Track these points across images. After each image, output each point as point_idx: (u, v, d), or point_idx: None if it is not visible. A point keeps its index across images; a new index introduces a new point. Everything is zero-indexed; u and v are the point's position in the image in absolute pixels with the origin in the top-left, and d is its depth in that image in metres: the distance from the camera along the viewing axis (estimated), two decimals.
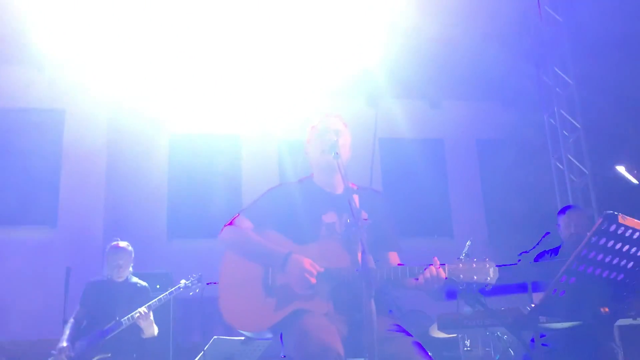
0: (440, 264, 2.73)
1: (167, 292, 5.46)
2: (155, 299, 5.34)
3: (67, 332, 5.33)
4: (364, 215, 2.94)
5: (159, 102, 9.12)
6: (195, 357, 5.68)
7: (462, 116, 10.15)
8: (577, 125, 7.88)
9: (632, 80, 6.86)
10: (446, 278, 2.73)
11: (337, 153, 2.90)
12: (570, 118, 7.99)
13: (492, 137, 10.19)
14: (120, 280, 5.50)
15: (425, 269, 2.72)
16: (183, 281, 5.54)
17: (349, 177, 2.90)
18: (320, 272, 2.79)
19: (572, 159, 7.93)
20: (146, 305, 5.27)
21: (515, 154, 9.37)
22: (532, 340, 4.26)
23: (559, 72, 8.13)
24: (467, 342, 6.29)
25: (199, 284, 5.48)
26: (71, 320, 5.44)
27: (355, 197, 3.01)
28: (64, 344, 5.20)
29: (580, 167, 7.79)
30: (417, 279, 2.74)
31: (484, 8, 7.89)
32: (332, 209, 3.03)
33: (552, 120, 8.29)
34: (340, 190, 3.10)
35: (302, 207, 3.05)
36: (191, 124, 9.32)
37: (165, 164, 9.30)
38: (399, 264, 2.99)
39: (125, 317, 5.19)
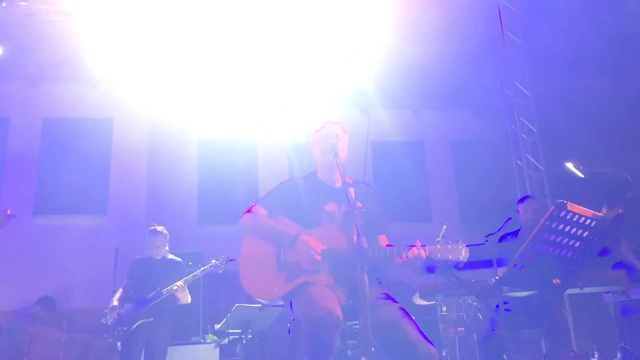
0: (421, 245, 2.73)
1: (200, 270, 5.44)
2: (191, 275, 5.34)
3: (117, 295, 5.36)
4: (359, 204, 2.93)
5: (190, 113, 9.11)
6: (221, 321, 5.70)
7: (439, 122, 10.12)
8: (534, 129, 7.86)
9: (579, 93, 6.85)
10: (426, 257, 2.73)
11: (336, 153, 2.90)
12: (528, 124, 7.96)
13: (464, 140, 10.14)
14: (159, 258, 5.50)
15: (409, 250, 2.73)
16: (213, 261, 5.49)
17: (346, 173, 2.90)
18: (324, 249, 2.79)
19: (529, 157, 7.91)
20: (183, 280, 5.27)
21: (483, 153, 9.34)
22: (497, 306, 4.27)
23: (519, 86, 8.10)
24: (444, 308, 6.25)
25: (226, 264, 5.44)
26: (120, 289, 5.45)
27: (352, 190, 2.99)
28: (115, 303, 5.24)
29: (536, 164, 7.77)
30: (402, 258, 2.74)
31: (456, 33, 7.87)
32: (332, 199, 3.02)
33: (513, 126, 8.27)
34: (339, 184, 3.09)
35: (307, 198, 3.03)
36: (216, 131, 9.29)
37: (195, 163, 9.28)
38: (387, 245, 2.99)
39: (165, 289, 5.20)
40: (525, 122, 7.99)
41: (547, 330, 4.12)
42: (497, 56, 8.31)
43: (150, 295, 5.21)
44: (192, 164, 9.21)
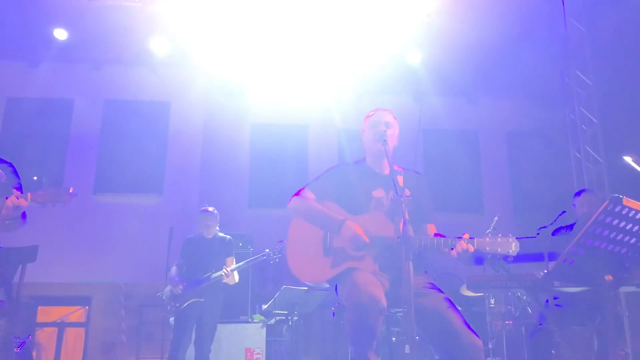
0: (470, 237, 2.68)
1: (252, 258, 5.58)
2: (243, 262, 5.50)
3: (173, 272, 5.57)
4: (407, 192, 2.91)
5: (243, 97, 9.25)
6: (268, 302, 5.82)
7: (494, 111, 9.83)
8: (594, 120, 7.56)
9: None
10: (475, 249, 2.69)
11: (385, 141, 2.87)
12: (588, 114, 7.66)
13: (520, 130, 9.83)
14: (210, 237, 5.66)
15: (457, 242, 2.68)
16: (267, 250, 5.59)
17: (397, 160, 2.88)
18: (370, 236, 2.79)
19: (588, 149, 7.61)
20: (232, 268, 5.42)
21: (540, 144, 9.06)
22: (547, 301, 4.17)
23: (580, 74, 7.78)
24: (492, 300, 6.15)
25: (279, 255, 5.49)
26: (174, 267, 5.65)
27: (400, 178, 2.99)
28: (176, 278, 5.48)
29: (596, 156, 7.48)
30: (450, 250, 2.71)
31: (515, 17, 7.64)
32: (381, 186, 2.99)
33: (572, 116, 7.97)
34: (387, 171, 3.03)
35: (356, 184, 3.02)
36: (268, 116, 9.38)
37: (247, 147, 9.42)
38: (435, 234, 2.96)
39: (214, 275, 5.36)
40: (585, 112, 7.69)
41: (599, 327, 4.00)
42: (559, 43, 8.00)
43: (202, 277, 5.38)
44: (245, 148, 9.36)
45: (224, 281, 5.39)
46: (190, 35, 7.84)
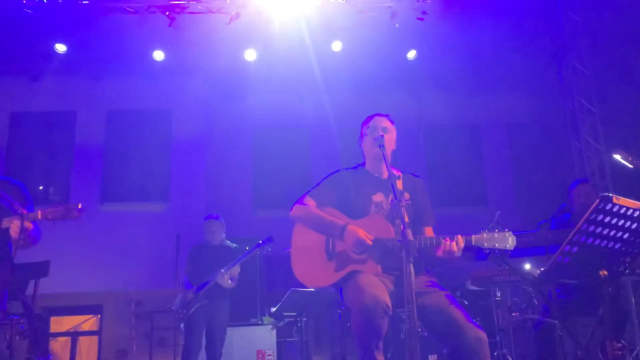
0: (468, 235, 2.76)
1: (240, 257, 5.52)
2: (232, 263, 5.46)
3: (185, 280, 5.65)
4: (406, 196, 2.97)
5: (245, 103, 9.31)
6: (277, 304, 5.89)
7: (494, 105, 9.84)
8: (593, 110, 7.60)
9: (638, 71, 6.58)
10: (473, 245, 2.77)
11: (382, 146, 2.93)
12: (587, 104, 7.71)
13: (520, 122, 9.88)
14: (216, 243, 5.72)
15: (453, 240, 2.75)
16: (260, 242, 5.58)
17: (399, 158, 2.96)
18: (372, 239, 2.86)
19: (589, 139, 7.66)
20: (225, 269, 5.41)
21: (540, 135, 9.10)
22: (550, 292, 4.22)
23: (578, 65, 7.82)
24: (498, 293, 6.21)
25: (269, 244, 5.48)
26: (184, 276, 5.73)
27: (399, 182, 3.05)
28: (188, 285, 5.54)
29: (596, 145, 7.53)
30: (441, 250, 2.77)
31: (512, 10, 7.70)
32: (380, 190, 3.06)
33: (571, 106, 8.01)
34: (386, 175, 3.08)
35: (356, 188, 3.08)
36: (270, 121, 9.46)
37: (250, 152, 9.50)
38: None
39: (211, 277, 5.40)
40: (584, 102, 7.74)
41: (601, 318, 4.05)
42: (555, 34, 8.04)
43: (201, 282, 5.45)
44: (248, 153, 9.45)
45: (219, 282, 5.38)
46: (189, 42, 7.90)
